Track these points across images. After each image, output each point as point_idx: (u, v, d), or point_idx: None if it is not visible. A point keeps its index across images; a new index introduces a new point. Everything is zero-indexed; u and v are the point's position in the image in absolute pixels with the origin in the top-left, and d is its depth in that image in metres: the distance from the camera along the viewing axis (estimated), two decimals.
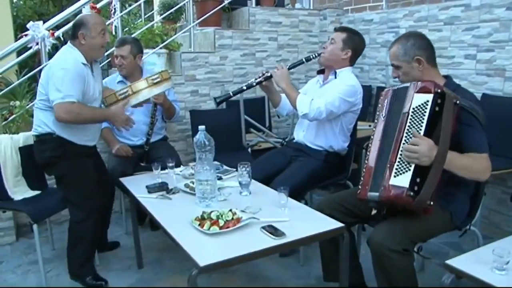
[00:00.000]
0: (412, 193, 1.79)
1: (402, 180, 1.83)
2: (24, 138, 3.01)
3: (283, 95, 2.98)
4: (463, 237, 2.23)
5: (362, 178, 2.02)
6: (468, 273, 1.49)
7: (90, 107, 2.59)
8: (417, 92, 1.90)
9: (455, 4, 3.50)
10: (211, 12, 4.33)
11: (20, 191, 2.93)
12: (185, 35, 4.41)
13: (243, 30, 4.41)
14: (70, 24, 2.64)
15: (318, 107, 2.69)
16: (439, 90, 1.84)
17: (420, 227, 1.95)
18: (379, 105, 2.09)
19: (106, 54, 4.44)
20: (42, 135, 2.58)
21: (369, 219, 2.24)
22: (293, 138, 3.12)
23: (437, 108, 1.83)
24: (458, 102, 1.86)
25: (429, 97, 1.85)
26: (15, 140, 2.98)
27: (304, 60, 2.95)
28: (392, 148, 1.90)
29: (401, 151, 1.85)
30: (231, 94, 2.86)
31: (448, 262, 1.56)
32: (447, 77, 2.13)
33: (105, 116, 2.68)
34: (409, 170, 1.82)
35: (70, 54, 2.54)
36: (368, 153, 2.05)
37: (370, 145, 2.05)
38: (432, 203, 1.83)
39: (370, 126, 3.72)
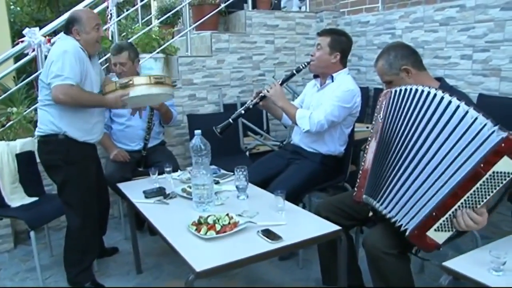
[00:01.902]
0: (441, 248, 1.75)
1: (440, 236, 1.73)
2: (21, 144, 3.02)
3: None
4: (462, 237, 2.21)
5: (358, 180, 2.02)
6: (465, 275, 1.49)
7: (88, 92, 2.54)
8: (510, 155, 1.56)
9: (450, 5, 3.50)
10: (207, 16, 4.34)
11: (17, 198, 2.93)
12: (182, 39, 4.41)
13: (240, 33, 4.42)
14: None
15: (318, 121, 2.68)
16: None
17: None
18: (377, 107, 2.06)
19: (104, 58, 4.47)
20: (47, 136, 2.54)
21: (366, 221, 2.25)
22: (291, 141, 3.12)
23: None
24: None
25: None
26: (12, 147, 2.98)
27: (295, 72, 2.90)
28: (443, 199, 1.68)
29: (455, 210, 1.67)
30: (231, 121, 2.81)
31: (445, 263, 1.56)
32: (440, 79, 2.12)
33: (102, 102, 2.60)
34: (451, 231, 1.73)
35: (68, 40, 2.53)
36: (365, 155, 2.04)
37: (367, 146, 2.05)
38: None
39: (367, 127, 3.73)
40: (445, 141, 1.69)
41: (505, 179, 1.58)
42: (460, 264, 1.55)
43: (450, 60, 3.53)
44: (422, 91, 1.82)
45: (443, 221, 1.70)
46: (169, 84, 2.80)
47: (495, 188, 1.61)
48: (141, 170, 3.37)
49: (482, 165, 1.58)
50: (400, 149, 1.85)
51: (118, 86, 2.57)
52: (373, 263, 1.91)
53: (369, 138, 2.04)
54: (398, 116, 1.91)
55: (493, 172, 1.58)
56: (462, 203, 1.66)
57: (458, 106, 1.67)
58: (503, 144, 1.56)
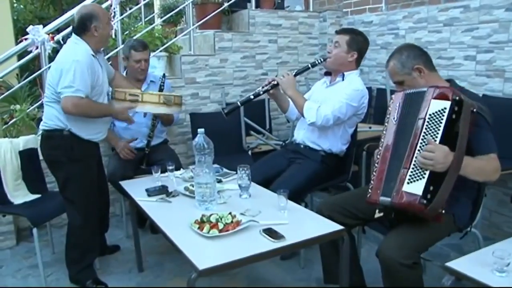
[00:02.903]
0: (425, 201, 1.78)
1: (415, 187, 1.81)
2: (24, 142, 3.02)
3: (290, 100, 2.98)
4: (464, 238, 2.22)
5: (372, 182, 2.00)
6: (468, 275, 1.49)
7: (97, 104, 2.56)
8: (435, 98, 1.86)
9: (454, 6, 3.50)
10: (211, 15, 4.34)
11: (20, 195, 2.93)
12: (185, 38, 4.41)
13: (243, 32, 4.41)
14: (76, 20, 2.60)
15: (325, 115, 2.69)
16: (457, 98, 1.81)
17: (428, 236, 1.94)
18: (389, 108, 2.07)
19: (107, 57, 4.47)
20: (52, 130, 2.54)
21: (370, 221, 2.24)
22: (293, 141, 3.11)
23: (454, 116, 1.80)
24: (475, 110, 1.84)
25: (447, 104, 1.82)
26: (15, 144, 2.98)
27: (310, 65, 2.93)
28: (407, 154, 1.88)
29: (416, 157, 1.83)
30: (238, 104, 2.85)
31: (448, 264, 1.56)
32: (450, 81, 2.11)
33: (109, 113, 2.68)
34: (423, 177, 1.81)
35: (79, 46, 2.51)
36: (378, 156, 2.02)
37: (380, 148, 2.03)
38: (444, 211, 1.83)
39: (370, 128, 3.73)
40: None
41: (443, 115, 1.82)
42: (463, 264, 1.55)
43: (453, 60, 3.52)
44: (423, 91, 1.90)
45: (411, 171, 1.84)
46: (178, 104, 2.87)
47: (439, 126, 1.82)
48: (143, 167, 3.37)
49: (419, 115, 1.88)
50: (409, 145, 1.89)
51: (128, 97, 2.62)
52: (388, 274, 1.89)
53: (382, 140, 2.03)
54: (413, 118, 1.92)
55: (430, 115, 1.85)
56: (418, 150, 1.84)
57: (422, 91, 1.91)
58: (427, 94, 1.90)
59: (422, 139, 1.84)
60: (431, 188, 1.79)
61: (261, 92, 2.85)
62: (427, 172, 1.80)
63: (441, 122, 1.82)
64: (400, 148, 1.94)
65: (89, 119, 2.56)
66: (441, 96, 1.85)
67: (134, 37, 4.05)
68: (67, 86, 2.39)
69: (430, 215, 1.83)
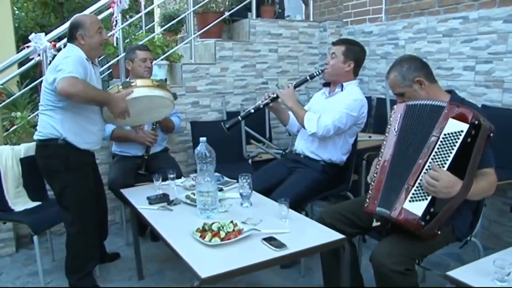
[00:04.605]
0: (423, 223, 1.79)
1: (416, 207, 1.81)
2: (25, 149, 3.03)
3: (291, 113, 3.00)
4: (464, 248, 2.23)
5: (370, 191, 2.02)
6: (469, 285, 1.49)
7: (95, 87, 2.53)
8: (453, 117, 1.81)
9: (453, 17, 3.53)
10: (212, 24, 4.37)
11: (20, 202, 2.94)
12: (186, 47, 4.44)
13: (244, 41, 4.44)
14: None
15: (326, 125, 2.71)
16: (476, 122, 1.78)
17: (422, 245, 1.94)
18: (391, 118, 2.08)
19: (108, 65, 4.49)
20: (47, 140, 2.53)
21: (370, 230, 2.25)
22: (293, 150, 3.13)
23: (469, 140, 1.77)
24: (492, 135, 1.83)
25: (464, 127, 1.78)
26: (16, 151, 2.99)
27: (308, 78, 2.97)
28: (413, 171, 1.86)
29: (422, 177, 1.82)
30: (239, 118, 2.87)
31: (449, 273, 1.57)
32: (451, 92, 2.12)
33: (107, 98, 2.55)
34: (426, 199, 1.81)
35: (73, 49, 2.55)
36: (377, 166, 2.04)
37: (379, 158, 2.05)
38: (439, 232, 1.84)
39: (370, 137, 3.75)
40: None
41: (458, 138, 1.78)
42: (463, 274, 1.56)
43: (453, 71, 3.55)
44: (439, 106, 1.89)
45: (415, 190, 1.83)
46: (167, 88, 2.84)
47: (452, 149, 1.79)
48: (141, 173, 3.33)
49: (434, 132, 1.84)
50: (416, 161, 1.88)
51: (121, 87, 2.62)
52: (380, 280, 1.90)
53: (381, 150, 2.05)
54: (415, 130, 1.94)
55: (445, 135, 1.81)
56: (426, 169, 1.82)
57: (437, 105, 1.89)
58: (446, 110, 1.84)
59: (432, 159, 1.82)
60: (432, 209, 1.80)
61: (261, 106, 2.88)
62: (430, 196, 1.80)
63: (454, 145, 1.79)
64: (400, 159, 1.95)
65: (84, 126, 2.56)
66: (460, 117, 1.81)
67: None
68: (60, 70, 2.37)
69: (425, 234, 1.84)
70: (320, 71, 2.94)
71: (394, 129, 2.02)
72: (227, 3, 4.69)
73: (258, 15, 4.62)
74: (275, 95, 2.87)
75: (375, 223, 2.04)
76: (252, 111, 2.87)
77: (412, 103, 2.02)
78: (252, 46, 4.42)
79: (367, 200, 2.01)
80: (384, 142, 2.05)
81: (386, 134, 2.06)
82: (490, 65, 3.27)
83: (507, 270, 1.46)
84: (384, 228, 2.01)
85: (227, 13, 4.51)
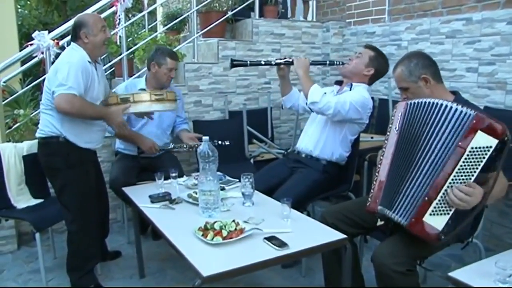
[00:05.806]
0: (443, 237, 1.78)
1: (437, 221, 1.77)
2: (27, 146, 3.03)
3: (294, 88, 3.06)
4: (465, 249, 2.23)
5: (372, 191, 2.02)
6: (470, 286, 1.49)
7: (91, 103, 2.55)
8: (483, 130, 1.72)
9: (456, 18, 3.53)
10: (215, 23, 4.38)
11: (23, 199, 2.94)
12: (189, 46, 4.44)
13: (247, 41, 4.45)
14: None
15: (328, 101, 2.70)
16: (506, 138, 1.71)
17: (424, 246, 1.93)
18: (392, 118, 2.07)
19: (110, 64, 4.50)
20: (48, 138, 2.55)
21: (372, 230, 2.25)
22: (295, 150, 3.13)
23: (494, 153, 1.72)
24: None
25: (493, 142, 1.71)
26: (18, 149, 2.99)
27: (327, 62, 3.05)
28: (434, 182, 1.79)
29: (446, 191, 1.76)
30: (248, 63, 3.03)
31: (451, 274, 1.57)
32: (455, 93, 2.11)
33: (103, 114, 2.60)
34: (448, 213, 1.77)
35: (75, 51, 2.55)
36: (378, 165, 2.04)
37: (381, 157, 2.04)
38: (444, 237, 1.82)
39: (372, 137, 3.75)
40: (445, 140, 1.81)
41: (486, 153, 1.71)
42: (465, 275, 1.56)
43: (455, 72, 3.55)
44: (440, 104, 1.86)
45: (437, 203, 1.78)
46: (171, 99, 2.82)
47: (479, 163, 1.72)
48: (140, 161, 3.35)
49: (460, 143, 1.74)
50: (418, 161, 1.87)
51: (120, 100, 2.62)
52: (381, 281, 1.90)
53: (383, 149, 2.04)
54: (415, 129, 1.92)
55: (472, 148, 1.73)
56: (450, 182, 1.75)
57: (461, 111, 1.79)
58: (474, 121, 1.74)
59: (457, 172, 1.75)
60: (450, 222, 1.78)
61: (273, 63, 2.97)
62: (453, 209, 1.77)
63: (481, 161, 1.73)
64: (401, 158, 1.94)
65: (83, 126, 2.57)
66: (490, 131, 1.72)
67: (138, 45, 4.09)
68: (60, 84, 2.39)
69: (436, 243, 1.83)
70: (341, 62, 2.98)
71: (395, 128, 2.02)
72: (230, 2, 4.69)
73: (261, 15, 4.63)
74: (290, 60, 2.93)
75: (379, 222, 2.04)
76: (263, 62, 3.04)
77: (412, 102, 2.00)
78: (255, 46, 4.43)
79: (369, 199, 2.02)
80: (386, 141, 2.05)
81: (388, 134, 2.06)
82: (493, 67, 3.27)
83: (509, 272, 1.46)
84: (388, 227, 2.01)
85: (230, 13, 4.52)
